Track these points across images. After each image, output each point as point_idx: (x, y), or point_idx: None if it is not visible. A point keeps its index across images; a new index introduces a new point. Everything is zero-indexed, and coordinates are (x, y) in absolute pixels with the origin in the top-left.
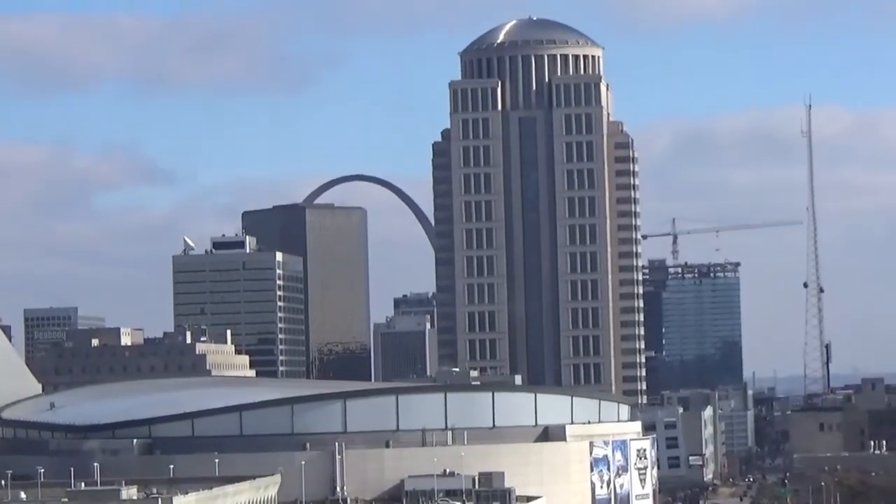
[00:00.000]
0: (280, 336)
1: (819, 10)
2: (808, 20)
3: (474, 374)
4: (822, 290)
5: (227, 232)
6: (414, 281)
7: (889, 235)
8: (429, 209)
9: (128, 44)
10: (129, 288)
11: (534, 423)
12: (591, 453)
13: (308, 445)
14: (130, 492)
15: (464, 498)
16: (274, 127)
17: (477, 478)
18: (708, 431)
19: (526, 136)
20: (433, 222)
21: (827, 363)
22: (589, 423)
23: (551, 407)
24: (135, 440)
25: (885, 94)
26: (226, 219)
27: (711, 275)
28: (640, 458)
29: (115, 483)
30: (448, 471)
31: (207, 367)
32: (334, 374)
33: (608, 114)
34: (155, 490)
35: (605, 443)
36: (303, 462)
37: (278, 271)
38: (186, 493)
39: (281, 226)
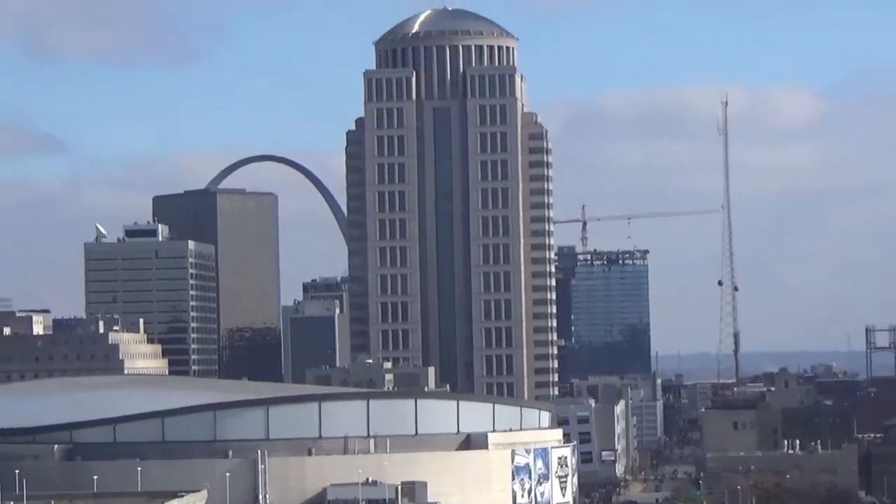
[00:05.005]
0: (192, 325)
1: None
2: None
3: (387, 365)
4: (736, 289)
5: (124, 205)
6: (322, 263)
7: (779, 216)
8: (338, 195)
9: (13, 14)
10: (31, 263)
11: (456, 431)
12: (512, 461)
13: (230, 453)
14: None
15: None
16: (166, 100)
17: (399, 487)
18: (620, 426)
19: (440, 127)
20: (346, 212)
21: (736, 352)
22: (511, 430)
23: (473, 414)
24: (56, 446)
25: (778, 72)
26: (121, 192)
27: (620, 262)
28: (561, 466)
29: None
30: (371, 479)
31: (120, 357)
32: (245, 360)
33: (522, 104)
34: None
35: (527, 451)
36: (226, 472)
37: (191, 260)
38: None
39: (192, 211)
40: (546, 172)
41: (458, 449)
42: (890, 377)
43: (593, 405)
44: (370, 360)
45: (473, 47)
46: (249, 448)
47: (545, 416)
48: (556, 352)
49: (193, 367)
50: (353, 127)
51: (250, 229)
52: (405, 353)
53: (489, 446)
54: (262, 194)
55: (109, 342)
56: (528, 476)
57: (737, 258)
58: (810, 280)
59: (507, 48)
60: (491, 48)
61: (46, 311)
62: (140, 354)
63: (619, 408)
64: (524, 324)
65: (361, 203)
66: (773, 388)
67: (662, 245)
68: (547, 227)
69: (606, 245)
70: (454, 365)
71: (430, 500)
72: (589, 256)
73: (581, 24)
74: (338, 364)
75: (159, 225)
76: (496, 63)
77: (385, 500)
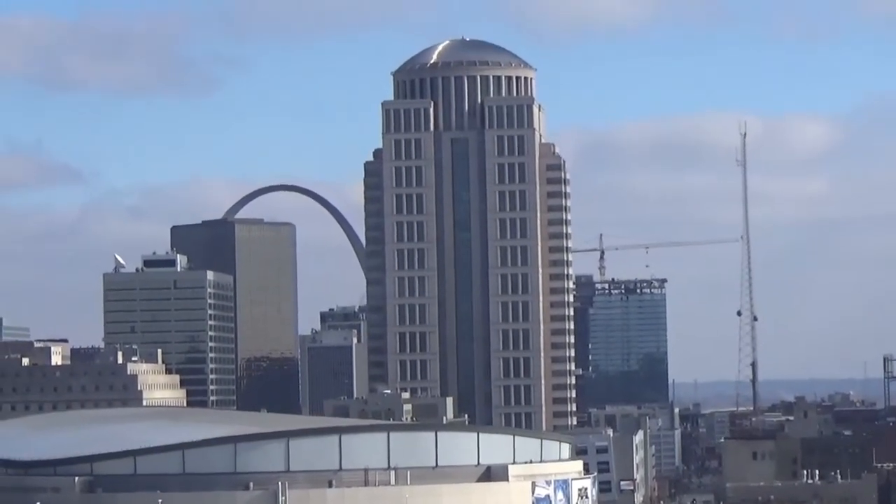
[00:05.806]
0: (210, 355)
1: (728, 20)
2: (728, 30)
3: (406, 395)
4: (755, 319)
5: (142, 235)
6: (340, 293)
7: (796, 245)
8: (356, 225)
9: (29, 45)
10: (49, 293)
11: (476, 463)
12: (533, 493)
13: (251, 485)
14: None
15: None
16: (183, 130)
17: None
18: (639, 456)
19: (458, 157)
20: (364, 241)
21: (754, 381)
22: (531, 462)
23: (494, 446)
24: (76, 478)
25: (795, 102)
26: (139, 222)
27: (638, 291)
28: (582, 498)
29: None
30: None
31: (138, 388)
32: (263, 390)
33: (540, 135)
34: None
35: (547, 482)
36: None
37: (209, 289)
38: None
39: (210, 241)
40: (564, 202)
41: (478, 481)
42: None
43: (612, 435)
44: (388, 391)
45: (491, 78)
46: (270, 480)
47: (565, 448)
48: (574, 381)
49: (211, 398)
50: (370, 157)
51: (268, 259)
52: (423, 383)
53: (509, 478)
54: (279, 224)
55: (128, 372)
56: None
57: (754, 287)
58: (828, 308)
59: (525, 78)
60: (509, 79)
61: (65, 341)
62: (158, 385)
63: (638, 437)
64: (542, 353)
65: (380, 233)
66: (791, 418)
67: (680, 274)
68: (565, 257)
69: (624, 274)
70: (472, 395)
71: None
72: (607, 286)
73: (598, 54)
74: (355, 394)
75: (177, 255)
76: (514, 93)
77: None
